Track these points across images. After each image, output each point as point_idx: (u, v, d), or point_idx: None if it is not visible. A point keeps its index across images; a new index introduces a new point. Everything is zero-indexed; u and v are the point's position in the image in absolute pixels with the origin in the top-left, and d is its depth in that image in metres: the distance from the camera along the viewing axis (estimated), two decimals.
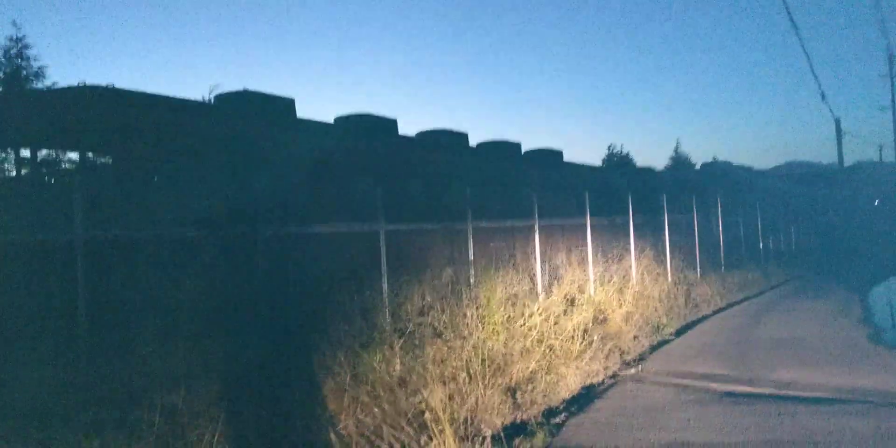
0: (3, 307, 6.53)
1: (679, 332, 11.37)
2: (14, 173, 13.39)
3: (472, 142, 15.87)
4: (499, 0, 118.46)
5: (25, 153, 12.51)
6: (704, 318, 13.07)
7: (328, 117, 15.55)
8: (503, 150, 16.42)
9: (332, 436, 4.95)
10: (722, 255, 18.97)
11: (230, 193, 9.03)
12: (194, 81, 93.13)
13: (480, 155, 15.77)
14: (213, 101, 12.20)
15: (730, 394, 7.39)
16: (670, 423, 6.30)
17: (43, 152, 13.71)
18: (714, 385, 7.78)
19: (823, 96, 24.81)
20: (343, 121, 13.35)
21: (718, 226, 19.58)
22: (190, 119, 9.92)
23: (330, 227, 9.56)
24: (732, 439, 5.74)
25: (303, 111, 11.92)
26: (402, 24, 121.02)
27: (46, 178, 13.04)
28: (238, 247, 8.59)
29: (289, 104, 11.79)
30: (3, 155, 14.34)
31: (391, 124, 13.74)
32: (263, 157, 9.80)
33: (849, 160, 41.96)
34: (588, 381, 7.85)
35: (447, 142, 14.86)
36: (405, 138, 14.15)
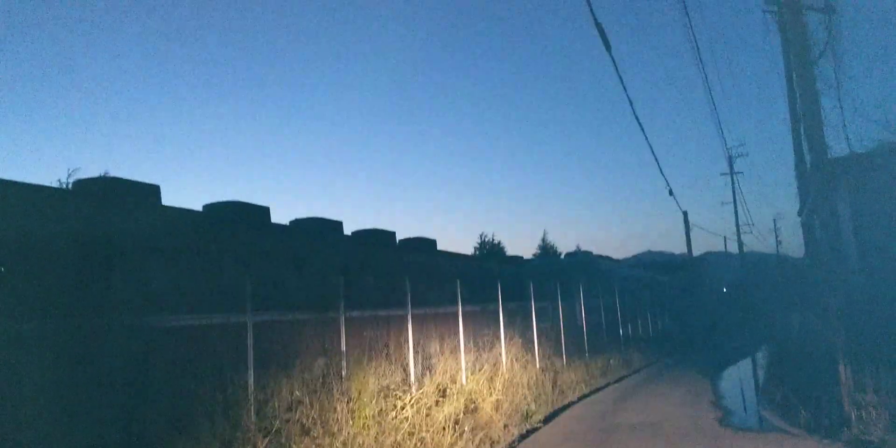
0: None
1: (547, 420, 11.61)
2: None
3: (347, 230, 15.99)
4: (374, 86, 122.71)
5: None
6: (571, 404, 13.45)
7: (196, 205, 15.20)
8: (378, 239, 16.62)
9: None
10: (586, 340, 19.79)
11: (85, 281, 8.53)
12: (49, 165, 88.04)
13: (355, 243, 15.87)
14: (70, 186, 11.67)
15: None
16: None
17: None
18: None
19: (671, 192, 27.18)
20: (212, 208, 13.10)
21: (582, 312, 20.52)
22: (46, 204, 9.41)
23: (193, 318, 9.17)
24: None
25: (169, 199, 11.64)
26: (280, 112, 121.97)
27: None
28: (94, 340, 8.04)
29: (153, 190, 11.47)
30: None
31: (263, 212, 13.62)
32: (124, 246, 9.39)
33: (698, 250, 45.85)
34: None
35: (321, 230, 14.88)
36: (277, 226, 14.05)
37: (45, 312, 7.84)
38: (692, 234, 38.36)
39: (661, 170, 61.73)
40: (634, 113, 18.83)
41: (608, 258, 34.62)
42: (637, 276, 35.32)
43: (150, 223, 10.47)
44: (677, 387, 15.89)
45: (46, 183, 10.97)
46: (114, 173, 11.20)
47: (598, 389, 15.72)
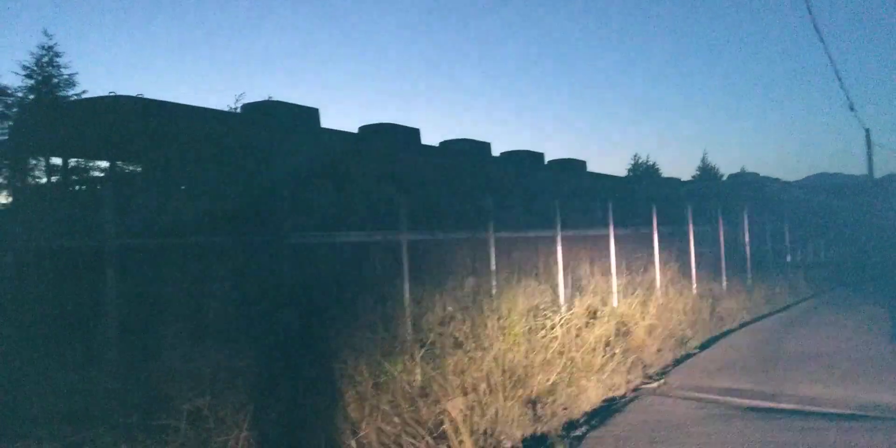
0: (23, 311, 6.69)
1: (703, 346, 11.25)
2: (44, 181, 13.71)
3: (495, 152, 15.93)
4: (523, 11, 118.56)
5: (56, 161, 12.82)
6: (730, 332, 12.91)
7: (352, 127, 15.71)
8: (526, 160, 16.45)
9: (353, 444, 5.00)
10: (748, 267, 18.75)
11: (256, 201, 9.17)
12: (222, 90, 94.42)
13: (503, 165, 15.81)
14: (239, 110, 12.40)
15: (753, 409, 7.31)
16: (691, 438, 6.26)
17: (73, 161, 14.02)
18: (737, 400, 7.70)
19: (852, 107, 24.28)
20: (366, 130, 13.49)
21: (745, 237, 19.35)
22: (218, 128, 10.10)
23: (353, 235, 9.66)
24: None
25: (327, 121, 12.06)
26: (427, 36, 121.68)
27: (76, 186, 13.33)
28: (263, 254, 8.71)
29: (313, 113, 11.96)
30: (35, 163, 14.71)
31: (414, 133, 13.85)
32: (288, 166, 9.94)
33: (880, 172, 41.24)
34: (609, 395, 7.81)
35: (470, 151, 14.93)
36: (428, 147, 14.25)
37: (234, 229, 8.56)
38: (874, 155, 34.44)
39: (840, 82, 55.19)
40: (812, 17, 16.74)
41: (776, 180, 32.15)
42: (808, 200, 32.61)
43: (311, 144, 10.98)
44: (849, 317, 14.74)
45: (218, 107, 11.75)
46: (276, 97, 11.76)
47: (760, 317, 14.94)
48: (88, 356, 6.06)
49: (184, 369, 5.97)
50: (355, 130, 13.37)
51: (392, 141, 12.92)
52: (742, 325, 13.74)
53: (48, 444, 4.43)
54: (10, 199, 14.67)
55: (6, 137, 16.14)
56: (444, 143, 15.18)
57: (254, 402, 5.49)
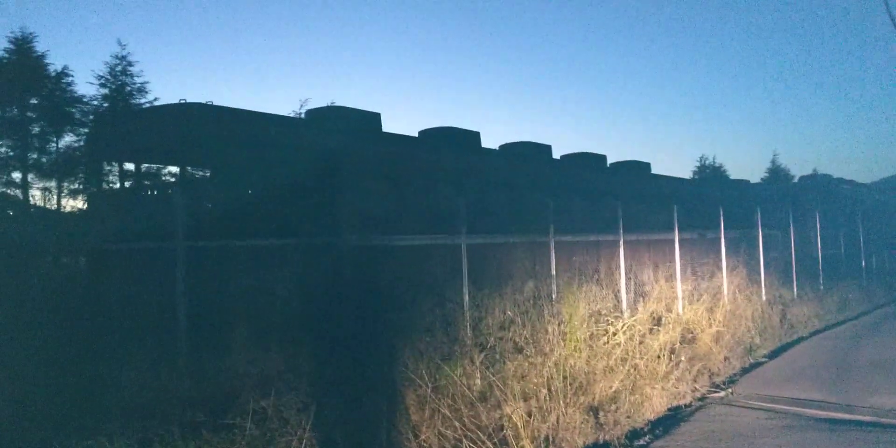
0: (96, 311, 6.96)
1: (773, 355, 10.86)
2: (117, 185, 14.28)
3: (556, 154, 15.76)
4: (584, 12, 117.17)
5: (129, 166, 13.34)
6: (800, 339, 12.43)
7: (412, 131, 15.82)
8: (588, 163, 16.23)
9: (415, 447, 5.00)
10: (820, 273, 18.01)
11: (319, 205, 9.32)
12: (284, 96, 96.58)
13: (564, 167, 15.64)
14: (303, 115, 12.64)
15: (826, 420, 7.01)
16: None
17: (145, 166, 14.57)
18: (809, 410, 7.40)
19: None
20: (427, 134, 13.55)
21: (817, 242, 18.61)
22: (283, 133, 10.31)
23: (413, 238, 9.71)
24: None
25: (387, 125, 12.16)
26: (487, 39, 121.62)
27: (148, 190, 13.84)
28: (326, 257, 8.85)
29: (375, 118, 12.09)
30: (109, 168, 15.35)
31: (474, 137, 13.83)
32: (351, 170, 10.06)
33: None
34: (674, 403, 7.61)
35: (530, 154, 14.82)
36: (488, 151, 14.21)
37: (296, 231, 8.74)
38: None
39: None
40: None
41: (850, 182, 30.79)
42: (885, 202, 31.11)
43: (373, 148, 11.09)
44: None
45: (282, 113, 12.02)
46: (339, 102, 11.94)
47: (833, 325, 14.33)
48: (159, 355, 6.26)
49: (249, 369, 6.10)
50: (416, 134, 13.45)
51: (452, 144, 12.94)
52: (814, 333, 13.21)
53: (119, 439, 4.59)
54: (86, 203, 15.33)
55: (82, 144, 16.91)
56: (505, 146, 15.11)
57: (316, 402, 5.56)
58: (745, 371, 9.59)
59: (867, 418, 6.99)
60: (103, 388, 5.63)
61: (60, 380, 5.65)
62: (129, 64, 18.68)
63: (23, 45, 17.18)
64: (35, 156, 17.16)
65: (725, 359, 9.61)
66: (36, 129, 17.34)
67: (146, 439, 4.71)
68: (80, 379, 5.78)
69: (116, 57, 18.62)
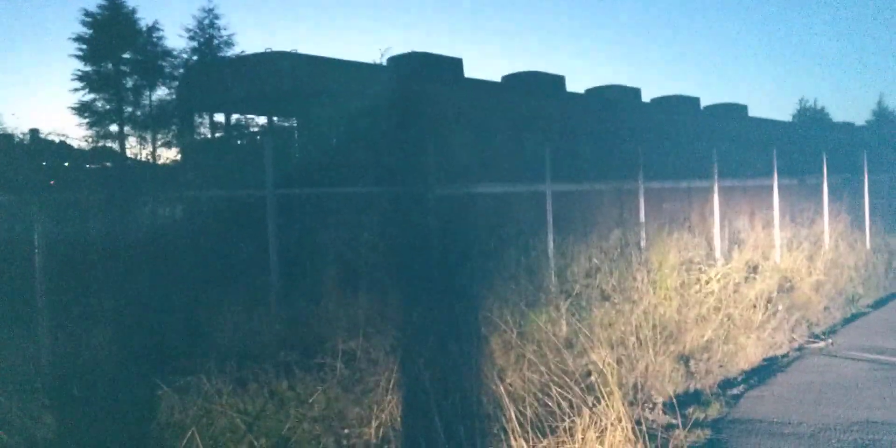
0: (194, 257, 7.24)
1: (877, 305, 10.28)
2: (209, 136, 14.72)
3: (646, 97, 15.12)
4: None
5: (219, 118, 13.70)
6: None
7: (495, 76, 15.45)
8: (679, 106, 15.49)
9: (502, 390, 5.02)
10: None
11: (403, 153, 9.31)
12: (365, 44, 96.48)
13: (654, 111, 14.99)
14: (385, 63, 12.55)
15: None
16: (862, 401, 5.76)
17: (234, 117, 14.94)
18: None
19: None
20: (510, 79, 13.22)
21: None
22: (366, 81, 10.28)
23: (497, 186, 9.59)
24: None
25: (470, 71, 11.92)
26: None
27: (238, 141, 14.21)
28: (410, 205, 8.88)
29: (457, 64, 11.85)
30: (200, 120, 15.82)
31: (559, 81, 13.40)
32: (434, 118, 9.96)
33: None
34: (770, 353, 7.34)
35: (618, 98, 14.26)
36: (573, 95, 13.76)
37: (382, 180, 8.79)
38: None
39: None
40: None
41: None
42: None
43: (455, 95, 10.93)
44: None
45: (364, 60, 11.97)
46: (420, 50, 11.77)
47: None
48: (253, 299, 6.49)
49: (338, 313, 6.26)
50: (498, 80, 13.15)
51: (536, 89, 12.59)
52: None
53: (216, 377, 4.80)
54: (179, 154, 15.92)
55: (174, 96, 17.48)
56: (591, 91, 14.60)
57: (403, 345, 5.65)
58: (846, 321, 9.14)
59: None
60: (201, 331, 5.90)
61: (161, 323, 5.95)
62: (216, 17, 19.02)
63: (114, 1, 17.70)
64: (130, 109, 17.88)
65: (826, 308, 9.17)
66: (129, 83, 18.01)
67: (242, 378, 4.91)
68: (179, 322, 6.07)
69: (204, 10, 18.99)
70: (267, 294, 6.79)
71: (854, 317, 9.44)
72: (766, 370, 6.90)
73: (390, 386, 4.94)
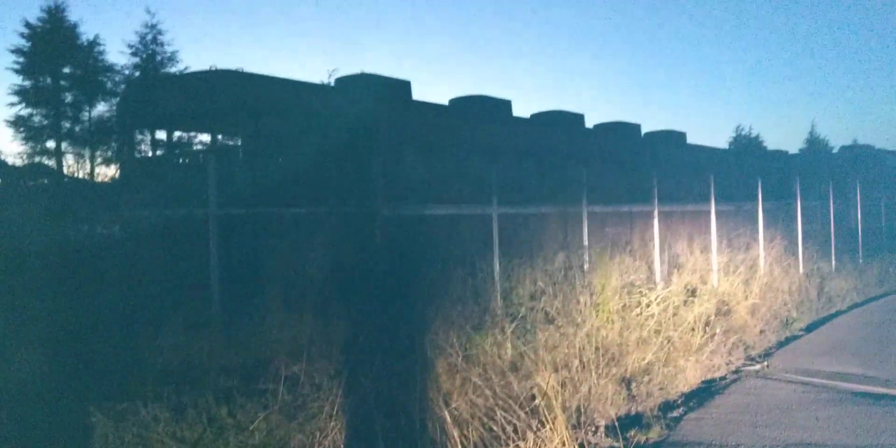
0: (131, 278, 7.03)
1: (810, 328, 10.65)
2: (149, 154, 14.38)
3: (589, 123, 15.49)
4: None
5: (160, 135, 13.40)
6: (839, 313, 12.17)
7: (443, 99, 15.63)
8: (621, 132, 15.92)
9: (446, 414, 4.99)
10: (860, 246, 17.58)
11: (349, 174, 9.27)
12: (313, 65, 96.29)
13: (597, 137, 15.37)
14: (333, 83, 12.53)
15: (864, 394, 6.85)
16: (797, 423, 5.92)
17: (176, 134, 14.63)
18: (847, 385, 7.25)
19: None
20: (458, 102, 13.37)
21: (857, 214, 18.14)
22: (313, 101, 10.24)
23: (444, 208, 9.62)
24: (864, 442, 5.32)
25: (418, 93, 12.01)
26: (520, 6, 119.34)
27: (180, 159, 13.92)
28: (357, 225, 8.82)
29: (405, 86, 11.94)
30: (141, 137, 15.46)
31: (505, 105, 13.62)
32: (381, 139, 9.98)
33: None
34: (709, 376, 7.50)
35: (562, 123, 14.57)
36: (519, 119, 14.00)
37: (328, 200, 8.71)
38: None
39: None
40: None
41: (892, 153, 29.88)
42: None
43: (402, 116, 10.98)
44: None
45: (311, 81, 11.92)
46: (369, 71, 11.81)
47: (872, 299, 14.00)
48: (193, 321, 6.31)
49: (281, 336, 6.13)
50: (446, 103, 13.28)
51: (483, 113, 12.76)
52: (852, 307, 12.93)
53: (152, 404, 4.64)
54: (118, 172, 15.50)
55: (114, 112, 17.06)
56: (536, 115, 14.88)
57: (348, 369, 5.57)
58: (781, 344, 9.42)
59: None
60: (138, 354, 5.70)
61: (96, 346, 5.73)
62: (160, 32, 18.74)
63: (55, 15, 17.27)
64: (68, 125, 17.38)
65: (761, 332, 9.44)
66: (69, 98, 17.52)
67: (180, 404, 4.76)
68: (115, 345, 5.85)
69: (147, 26, 18.67)
70: (208, 316, 6.62)
71: (788, 340, 9.74)
72: (705, 392, 7.04)
73: (334, 411, 4.85)
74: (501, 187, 9.08)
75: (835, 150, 32.05)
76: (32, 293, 6.10)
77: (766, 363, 8.22)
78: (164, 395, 4.80)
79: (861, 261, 16.92)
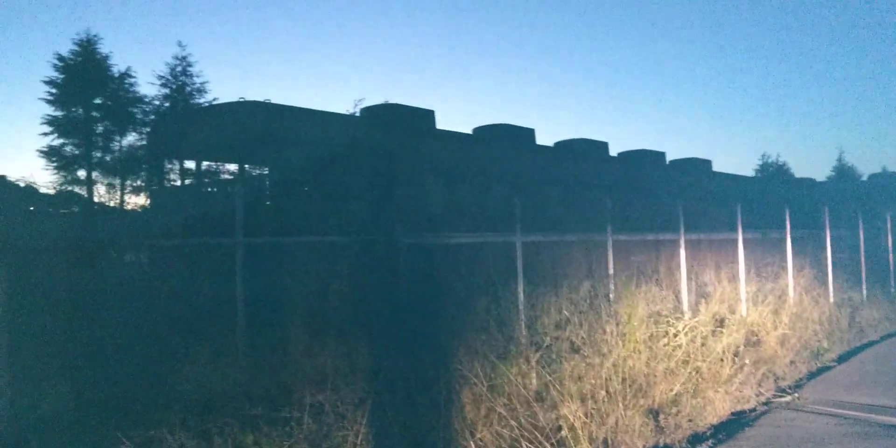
0: (158, 306, 7.10)
1: (841, 359, 10.40)
2: (179, 182, 14.63)
3: (613, 152, 15.49)
4: (641, 10, 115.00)
5: (189, 165, 13.65)
6: (871, 343, 11.88)
7: (467, 128, 15.77)
8: (646, 160, 15.89)
9: (472, 445, 4.94)
10: (892, 274, 17.21)
11: (372, 201, 9.35)
12: (339, 95, 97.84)
13: (621, 165, 15.34)
14: (358, 114, 12.71)
15: None
16: None
17: (205, 164, 14.88)
18: (880, 417, 7.06)
19: None
20: (481, 131, 13.47)
21: (888, 242, 17.80)
22: (339, 131, 10.38)
23: (467, 236, 9.64)
24: None
25: (442, 122, 12.12)
26: (542, 36, 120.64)
27: (208, 188, 14.14)
28: (380, 254, 8.86)
29: (429, 115, 12.06)
30: (170, 167, 15.76)
31: (529, 134, 13.69)
32: (405, 168, 10.07)
33: None
34: (738, 407, 7.34)
35: (586, 151, 14.59)
36: (543, 148, 14.04)
37: (351, 229, 8.78)
38: None
39: None
40: None
41: None
42: None
43: (428, 145, 11.08)
44: None
45: (337, 111, 12.11)
46: (393, 101, 11.98)
47: None
48: (218, 349, 6.35)
49: (306, 364, 6.14)
50: (470, 131, 13.38)
51: (506, 141, 12.83)
52: (885, 337, 12.62)
53: (179, 431, 4.65)
54: (148, 200, 15.76)
55: (144, 142, 17.43)
56: (560, 144, 14.92)
57: (371, 398, 5.54)
58: (812, 375, 9.21)
59: None
60: (165, 383, 5.74)
61: (124, 374, 5.78)
62: (189, 64, 19.19)
63: (87, 47, 17.79)
64: (99, 154, 17.77)
65: (791, 362, 9.24)
66: (100, 129, 17.94)
67: (205, 432, 4.76)
68: (142, 373, 5.90)
69: (177, 58, 19.14)
70: (233, 344, 6.65)
71: (820, 371, 9.52)
72: (735, 424, 6.89)
73: (358, 441, 4.82)
74: (525, 215, 9.08)
75: (863, 178, 31.64)
76: (61, 321, 6.19)
77: (796, 395, 8.03)
78: (190, 422, 4.81)
79: (893, 290, 16.56)
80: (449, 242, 9.60)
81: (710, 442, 6.32)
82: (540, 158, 13.31)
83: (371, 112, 12.12)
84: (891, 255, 17.62)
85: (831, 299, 13.48)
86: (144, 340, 6.46)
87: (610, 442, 5.76)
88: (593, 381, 6.46)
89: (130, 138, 18.39)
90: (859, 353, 11.00)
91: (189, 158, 12.71)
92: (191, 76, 19.21)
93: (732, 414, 7.20)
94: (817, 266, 13.96)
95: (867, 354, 10.95)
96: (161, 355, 6.19)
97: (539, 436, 5.47)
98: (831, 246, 14.80)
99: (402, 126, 10.94)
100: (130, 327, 6.58)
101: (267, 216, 9.15)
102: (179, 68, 19.10)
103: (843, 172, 35.73)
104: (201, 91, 19.21)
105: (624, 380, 6.56)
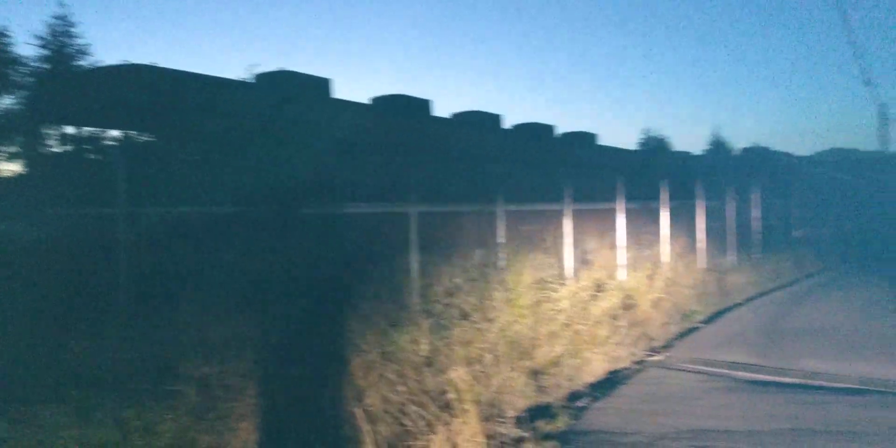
0: (49, 279, 6.80)
1: (709, 320, 11.31)
2: (57, 150, 13.77)
3: (506, 124, 15.82)
4: None
5: (69, 130, 12.85)
6: (736, 306, 12.97)
7: (363, 98, 15.63)
8: (537, 133, 16.32)
9: (359, 411, 5.10)
10: (756, 242, 18.71)
11: (267, 173, 9.20)
12: (233, 60, 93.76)
13: (514, 137, 15.72)
14: (251, 80, 12.34)
15: (758, 382, 7.39)
16: (695, 410, 6.34)
17: (86, 130, 14.06)
18: (742, 373, 7.79)
19: (868, 81, 24.12)
20: (377, 101, 13.41)
21: (754, 212, 19.29)
22: (229, 97, 10.07)
23: (362, 207, 9.69)
24: (759, 427, 5.76)
25: (339, 92, 11.97)
26: (438, 7, 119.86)
27: (90, 155, 13.39)
28: (273, 225, 8.77)
29: (325, 84, 11.88)
30: (48, 132, 14.77)
31: (425, 105, 13.74)
32: (300, 137, 9.93)
33: (894, 147, 40.69)
34: (614, 367, 7.89)
35: (481, 123, 14.83)
36: (439, 119, 14.17)
37: (245, 200, 8.62)
38: (889, 130, 33.93)
39: (857, 56, 54.23)
40: None
41: (787, 155, 31.79)
42: (820, 175, 32.28)
43: (323, 115, 10.94)
44: (855, 293, 14.76)
45: (230, 77, 11.71)
46: (288, 68, 11.69)
47: (766, 293, 14.97)
48: (101, 325, 6.17)
49: (194, 338, 6.08)
50: (367, 102, 13.30)
51: (404, 112, 12.86)
52: (748, 300, 13.78)
53: (58, 407, 4.55)
54: (24, 169, 14.77)
55: (21, 107, 16.20)
56: (456, 116, 15.08)
57: (261, 370, 5.59)
58: (681, 336, 9.97)
59: (797, 380, 7.40)
60: (42, 359, 5.55)
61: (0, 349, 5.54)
62: (70, 25, 17.83)
63: None
64: None
65: (664, 324, 9.97)
66: None
67: (84, 407, 4.68)
68: (21, 349, 5.67)
69: (56, 17, 17.74)
70: (118, 319, 6.48)
71: (689, 331, 10.32)
72: (610, 383, 7.41)
73: (246, 412, 4.88)
74: (420, 186, 9.24)
75: (736, 153, 33.82)
76: None
77: (667, 354, 8.71)
78: (69, 398, 4.71)
79: (758, 256, 18.01)
80: (345, 213, 9.62)
81: (587, 399, 6.78)
82: (436, 130, 13.43)
83: (265, 79, 11.80)
84: (756, 224, 19.11)
85: (702, 265, 14.55)
86: (24, 315, 6.19)
87: (494, 402, 6.09)
88: (481, 346, 6.78)
89: (6, 102, 17.01)
90: (725, 315, 11.98)
91: (70, 124, 11.96)
92: (72, 37, 17.89)
93: (609, 373, 7.74)
94: (691, 235, 14.98)
95: (731, 316, 11.95)
96: (42, 331, 5.96)
97: (427, 399, 5.72)
98: (704, 215, 15.88)
99: (298, 94, 10.74)
100: (9, 301, 6.28)
101: (156, 187, 8.83)
102: (60, 29, 17.74)
103: (717, 147, 38.03)
104: (83, 53, 17.94)
105: (509, 343, 6.91)
